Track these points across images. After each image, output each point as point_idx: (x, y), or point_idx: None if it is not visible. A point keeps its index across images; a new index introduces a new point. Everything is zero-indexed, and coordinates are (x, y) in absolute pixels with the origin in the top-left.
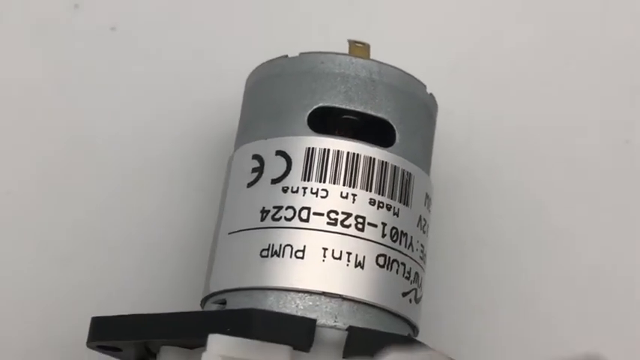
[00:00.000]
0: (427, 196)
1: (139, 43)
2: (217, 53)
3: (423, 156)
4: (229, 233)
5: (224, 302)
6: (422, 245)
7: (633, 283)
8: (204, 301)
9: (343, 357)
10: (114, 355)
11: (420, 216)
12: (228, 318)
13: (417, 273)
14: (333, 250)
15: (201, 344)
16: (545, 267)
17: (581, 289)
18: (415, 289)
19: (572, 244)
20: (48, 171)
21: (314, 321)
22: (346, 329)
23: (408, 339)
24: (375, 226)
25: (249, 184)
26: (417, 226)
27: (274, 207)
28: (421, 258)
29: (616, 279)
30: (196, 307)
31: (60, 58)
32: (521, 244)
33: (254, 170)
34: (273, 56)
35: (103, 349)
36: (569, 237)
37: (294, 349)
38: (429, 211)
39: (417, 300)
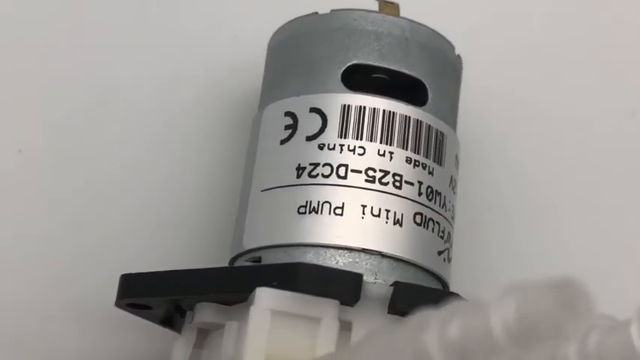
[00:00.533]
0: (456, 158)
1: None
2: (232, 16)
3: (452, 117)
4: (262, 190)
5: (259, 260)
6: (453, 206)
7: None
8: (233, 259)
9: (388, 312)
10: (140, 314)
11: (452, 176)
12: (274, 272)
13: (449, 233)
14: (372, 208)
15: (240, 300)
16: (551, 233)
17: (587, 253)
18: (448, 249)
19: (579, 212)
20: (61, 131)
21: (361, 275)
22: (391, 284)
23: (454, 294)
24: (411, 184)
25: (283, 142)
26: (449, 186)
27: (310, 164)
28: (452, 218)
29: (622, 246)
30: None
31: (78, 18)
32: (528, 211)
33: (287, 127)
34: (290, 18)
35: (132, 307)
36: (576, 206)
37: (341, 303)
38: (458, 172)
39: (449, 260)
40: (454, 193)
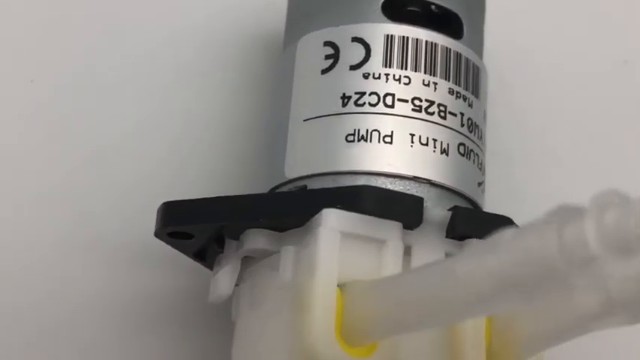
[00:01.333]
0: (487, 92)
1: None
2: None
3: (481, 51)
4: (304, 120)
5: (304, 188)
6: (485, 139)
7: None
8: (274, 189)
9: (446, 236)
10: (176, 245)
11: (484, 111)
12: (337, 195)
13: (484, 165)
14: (420, 136)
15: (293, 226)
16: (550, 175)
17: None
18: (484, 181)
19: (576, 155)
20: (74, 61)
21: (422, 199)
22: (449, 209)
23: (509, 220)
24: (454, 115)
25: (324, 71)
26: (484, 119)
27: (356, 93)
28: (485, 152)
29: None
30: None
31: None
32: (528, 154)
33: (327, 57)
34: None
35: (172, 236)
36: (573, 149)
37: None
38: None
39: (484, 192)
40: (486, 127)
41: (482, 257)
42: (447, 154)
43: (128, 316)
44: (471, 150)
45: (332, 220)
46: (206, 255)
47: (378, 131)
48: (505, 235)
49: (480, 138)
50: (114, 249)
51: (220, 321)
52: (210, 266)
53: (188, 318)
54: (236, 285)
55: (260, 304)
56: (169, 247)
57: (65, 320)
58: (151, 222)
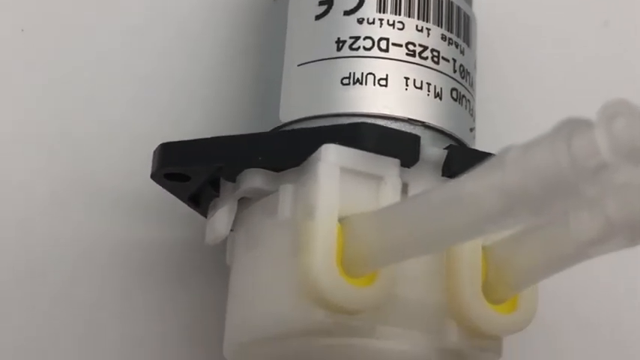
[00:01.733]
0: (477, 42)
1: None
2: None
3: (472, 0)
4: (299, 65)
5: None
6: (475, 88)
7: None
8: None
9: (442, 175)
10: (172, 188)
11: (475, 60)
12: (336, 132)
13: (475, 113)
14: (414, 80)
15: (291, 165)
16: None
17: None
18: (475, 128)
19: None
20: (65, 11)
21: (419, 137)
22: (445, 148)
23: None
24: (447, 60)
25: (318, 17)
26: (474, 67)
27: (350, 37)
28: (475, 100)
29: None
30: None
31: None
32: (510, 116)
33: (321, 3)
34: None
35: (169, 178)
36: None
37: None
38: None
39: (475, 139)
40: (476, 76)
41: (489, 175)
42: (441, 98)
43: (125, 265)
44: (463, 96)
45: (331, 154)
46: (201, 199)
47: (374, 74)
48: (511, 151)
49: (472, 85)
50: (111, 199)
51: (216, 267)
52: (205, 213)
53: (185, 266)
54: (231, 230)
55: (257, 244)
56: (164, 197)
57: (63, 270)
58: (147, 172)
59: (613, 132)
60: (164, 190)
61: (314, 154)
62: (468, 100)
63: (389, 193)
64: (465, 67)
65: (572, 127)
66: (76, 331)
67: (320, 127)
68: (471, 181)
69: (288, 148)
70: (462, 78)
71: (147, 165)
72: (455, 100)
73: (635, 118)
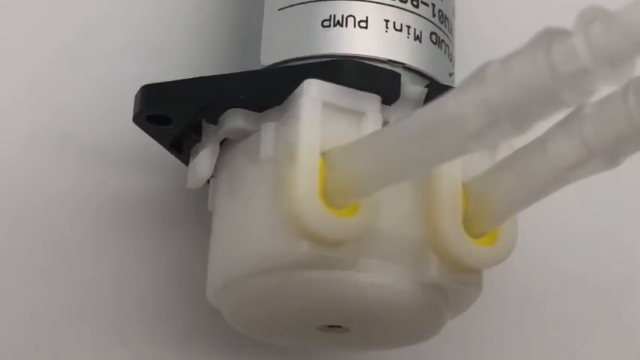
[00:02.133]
0: None
1: None
2: None
3: None
4: (279, 9)
5: None
6: (454, 36)
7: None
8: None
9: None
10: (154, 133)
11: (454, 7)
12: (318, 67)
13: (454, 59)
14: (394, 22)
15: (273, 104)
16: None
17: None
18: (454, 74)
19: None
20: None
21: (399, 74)
22: (425, 86)
23: None
24: (427, 4)
25: None
26: (453, 15)
27: None
28: (454, 46)
29: None
30: None
31: None
32: None
33: None
34: None
35: (151, 121)
36: None
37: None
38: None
39: (454, 84)
40: (455, 23)
41: (471, 90)
42: (420, 41)
43: (102, 213)
44: (442, 40)
45: (314, 89)
46: (183, 146)
47: (354, 17)
48: (491, 65)
49: (451, 31)
50: (86, 146)
51: (197, 214)
52: (186, 161)
53: (165, 215)
54: (213, 177)
55: (239, 186)
56: (143, 144)
57: (38, 217)
58: (126, 119)
59: (591, 37)
60: (149, 141)
61: (296, 91)
62: (447, 45)
63: (370, 128)
64: (444, 12)
65: (551, 36)
66: (69, 281)
67: (302, 64)
68: (453, 98)
69: (270, 86)
70: (441, 23)
71: (126, 111)
72: (434, 43)
73: (612, 22)
